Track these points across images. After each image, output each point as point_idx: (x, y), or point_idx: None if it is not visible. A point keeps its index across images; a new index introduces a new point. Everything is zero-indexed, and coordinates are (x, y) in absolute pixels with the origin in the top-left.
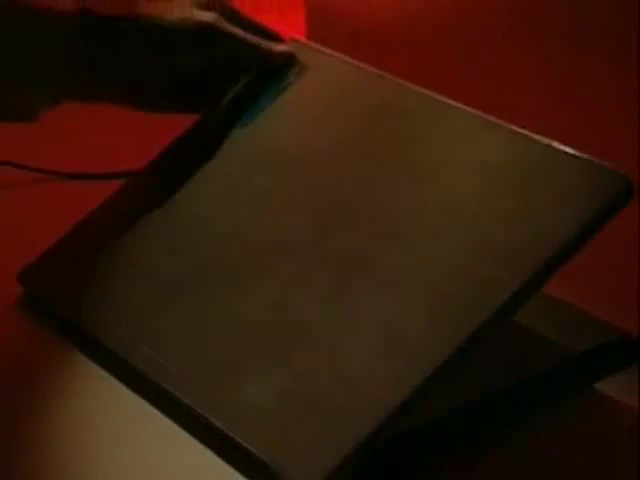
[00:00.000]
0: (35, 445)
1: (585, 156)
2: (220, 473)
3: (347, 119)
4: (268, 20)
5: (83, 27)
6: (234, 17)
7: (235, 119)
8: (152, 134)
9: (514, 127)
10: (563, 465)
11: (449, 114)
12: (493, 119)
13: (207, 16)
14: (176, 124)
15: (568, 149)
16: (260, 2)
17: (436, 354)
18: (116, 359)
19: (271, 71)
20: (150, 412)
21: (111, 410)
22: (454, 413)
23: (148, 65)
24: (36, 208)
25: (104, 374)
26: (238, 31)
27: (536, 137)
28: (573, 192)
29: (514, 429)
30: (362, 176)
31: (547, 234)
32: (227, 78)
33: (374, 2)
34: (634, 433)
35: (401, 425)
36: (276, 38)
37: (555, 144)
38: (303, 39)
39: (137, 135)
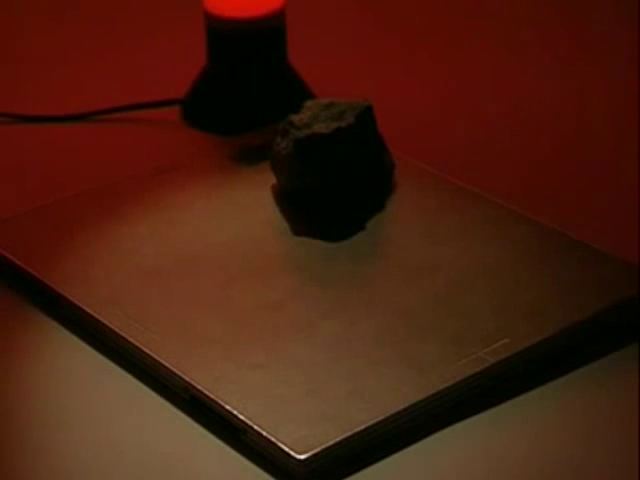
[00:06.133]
0: None
1: (599, 248)
2: (191, 435)
3: None
4: None
5: None
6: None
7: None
8: (105, 83)
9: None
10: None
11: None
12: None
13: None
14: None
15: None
16: None
17: (451, 374)
18: (90, 323)
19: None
20: (123, 377)
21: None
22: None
23: None
24: None
25: (72, 337)
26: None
27: (556, 228)
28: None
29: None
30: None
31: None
32: None
33: None
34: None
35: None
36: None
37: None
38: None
39: (94, 77)
